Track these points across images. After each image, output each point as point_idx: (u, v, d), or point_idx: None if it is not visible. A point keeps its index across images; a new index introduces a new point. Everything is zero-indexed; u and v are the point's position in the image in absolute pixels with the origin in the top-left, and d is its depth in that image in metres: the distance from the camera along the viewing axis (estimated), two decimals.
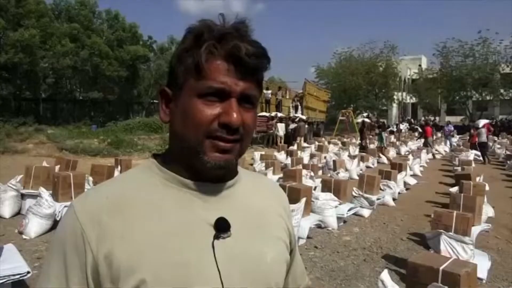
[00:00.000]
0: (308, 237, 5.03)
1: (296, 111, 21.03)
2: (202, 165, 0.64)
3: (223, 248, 0.64)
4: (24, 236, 4.73)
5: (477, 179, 8.01)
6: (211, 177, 0.67)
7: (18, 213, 5.71)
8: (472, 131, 15.94)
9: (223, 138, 0.64)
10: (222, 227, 0.65)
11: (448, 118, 33.60)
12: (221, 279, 0.62)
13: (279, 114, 19.25)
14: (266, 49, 0.66)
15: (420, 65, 40.25)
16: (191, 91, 0.64)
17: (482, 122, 17.46)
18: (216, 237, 0.65)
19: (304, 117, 19.51)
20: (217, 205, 0.67)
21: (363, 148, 15.92)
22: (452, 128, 21.82)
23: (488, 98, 32.92)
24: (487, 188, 7.21)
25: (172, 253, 0.62)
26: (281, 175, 8.51)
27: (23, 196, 5.83)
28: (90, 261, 0.60)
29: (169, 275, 0.60)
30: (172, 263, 0.61)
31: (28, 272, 3.06)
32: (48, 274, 0.63)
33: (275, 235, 0.74)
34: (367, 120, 21.22)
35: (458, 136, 22.69)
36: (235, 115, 0.63)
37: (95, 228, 0.61)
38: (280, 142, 16.90)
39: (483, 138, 13.81)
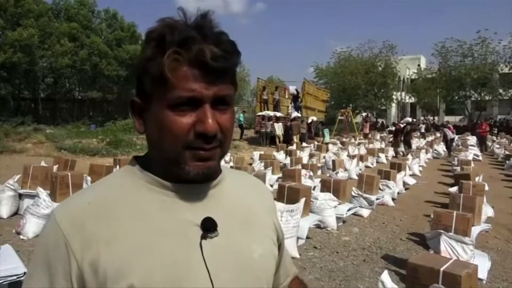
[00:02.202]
0: (307, 237, 5.01)
1: (294, 110, 21.00)
2: (184, 174, 0.64)
3: (211, 248, 0.64)
4: (21, 237, 4.70)
5: (477, 179, 8.01)
6: (193, 180, 0.66)
7: (15, 213, 5.68)
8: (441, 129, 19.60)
9: (202, 148, 0.62)
10: (209, 226, 0.65)
11: (447, 118, 33.73)
12: (210, 278, 0.62)
13: (278, 114, 19.25)
14: (234, 43, 0.64)
15: (419, 65, 40.21)
16: (162, 102, 0.62)
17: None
18: (204, 237, 0.64)
19: (297, 115, 19.45)
20: (202, 205, 0.67)
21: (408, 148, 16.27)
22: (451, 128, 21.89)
23: (487, 98, 32.89)
24: (486, 188, 7.20)
25: (160, 256, 0.61)
26: (280, 175, 8.50)
27: (21, 196, 5.80)
28: (75, 270, 0.59)
29: (157, 278, 0.59)
30: (160, 265, 0.60)
31: (25, 273, 3.03)
32: (32, 286, 0.62)
33: (262, 231, 0.74)
34: (408, 119, 21.45)
35: (457, 136, 22.73)
36: (210, 123, 0.61)
37: (79, 236, 0.60)
38: (280, 142, 16.92)
39: (451, 135, 17.03)
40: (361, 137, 22.09)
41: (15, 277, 2.98)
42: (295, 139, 17.21)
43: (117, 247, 0.60)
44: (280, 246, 0.81)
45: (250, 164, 11.72)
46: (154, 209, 0.64)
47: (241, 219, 0.71)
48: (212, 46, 0.60)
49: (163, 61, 0.60)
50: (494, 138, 22.15)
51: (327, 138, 17.27)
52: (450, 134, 16.71)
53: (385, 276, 2.94)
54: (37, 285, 0.61)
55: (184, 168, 0.63)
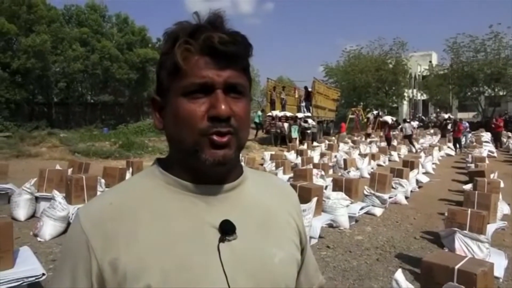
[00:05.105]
0: (320, 237, 5.01)
1: (303, 110, 20.94)
2: (201, 163, 0.63)
3: (229, 251, 0.63)
4: (39, 239, 4.80)
5: (491, 176, 7.87)
6: (213, 178, 0.67)
7: (32, 215, 5.79)
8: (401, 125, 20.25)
9: (218, 133, 0.63)
10: (227, 229, 0.64)
11: (460, 115, 33.08)
12: (227, 282, 0.61)
13: (288, 114, 19.24)
14: (245, 36, 0.65)
15: (430, 61, 39.65)
16: (176, 92, 0.64)
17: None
18: (222, 240, 0.64)
19: (299, 115, 19.43)
20: (222, 207, 0.67)
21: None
22: (467, 125, 21.56)
23: (501, 93, 32.23)
24: (502, 185, 7.08)
25: (177, 258, 0.61)
26: (292, 174, 8.49)
27: (37, 199, 5.92)
28: (95, 269, 0.61)
29: (174, 280, 0.60)
30: (177, 268, 0.61)
31: (43, 274, 3.10)
32: (58, 283, 0.65)
33: (284, 235, 0.72)
34: (445, 115, 22.07)
35: (471, 133, 22.33)
36: (222, 106, 0.62)
37: (100, 236, 0.62)
38: (290, 142, 16.95)
39: (408, 132, 17.60)
40: (372, 136, 21.87)
41: (34, 278, 3.05)
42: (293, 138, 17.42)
43: (136, 248, 0.61)
44: (303, 250, 0.79)
45: (261, 165, 11.73)
46: (173, 210, 0.65)
47: (262, 222, 0.70)
48: (221, 33, 0.62)
49: (175, 51, 0.63)
50: (510, 134, 21.69)
51: (294, 134, 18.10)
52: (408, 131, 17.49)
53: (399, 275, 2.91)
54: (62, 284, 0.64)
55: (201, 156, 0.63)
